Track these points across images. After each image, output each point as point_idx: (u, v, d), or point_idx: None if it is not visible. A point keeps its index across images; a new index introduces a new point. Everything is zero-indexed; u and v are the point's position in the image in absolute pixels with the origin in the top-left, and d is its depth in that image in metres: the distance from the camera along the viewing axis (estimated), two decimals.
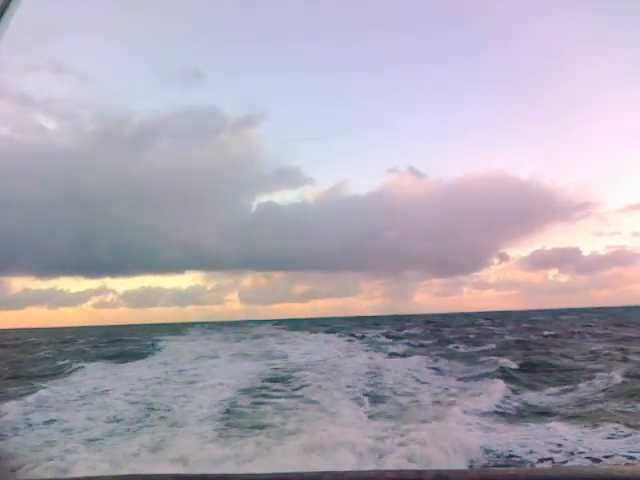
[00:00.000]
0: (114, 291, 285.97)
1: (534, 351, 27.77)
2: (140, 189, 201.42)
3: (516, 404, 14.51)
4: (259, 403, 15.12)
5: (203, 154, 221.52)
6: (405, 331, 56.07)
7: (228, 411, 14.00)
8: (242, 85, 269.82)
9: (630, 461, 8.98)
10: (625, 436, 10.54)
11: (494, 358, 24.90)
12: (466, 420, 12.19)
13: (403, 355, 28.61)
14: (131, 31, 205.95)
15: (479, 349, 31.20)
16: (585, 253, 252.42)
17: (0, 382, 23.57)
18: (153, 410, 14.69)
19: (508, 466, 8.72)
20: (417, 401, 15.16)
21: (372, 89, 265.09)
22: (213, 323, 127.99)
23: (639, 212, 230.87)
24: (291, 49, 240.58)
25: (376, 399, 15.57)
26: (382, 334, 49.70)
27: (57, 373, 25.10)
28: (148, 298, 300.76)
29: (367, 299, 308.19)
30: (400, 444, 10.09)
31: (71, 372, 24.88)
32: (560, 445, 10.11)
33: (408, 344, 36.71)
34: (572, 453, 9.78)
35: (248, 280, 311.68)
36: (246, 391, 17.07)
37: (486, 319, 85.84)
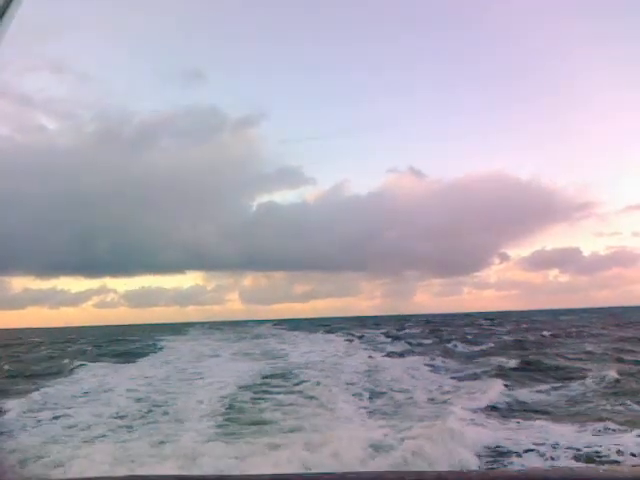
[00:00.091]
0: (115, 291, 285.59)
1: (531, 351, 28.01)
2: (140, 189, 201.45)
3: (510, 402, 14.75)
4: (259, 399, 15.43)
5: (203, 154, 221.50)
6: (405, 331, 56.18)
7: (229, 408, 14.21)
8: (242, 85, 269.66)
9: (622, 459, 9.02)
10: (612, 433, 10.80)
11: (491, 357, 25.17)
12: (461, 417, 12.32)
13: (402, 354, 28.78)
14: (131, 31, 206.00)
15: (477, 349, 31.52)
16: (585, 253, 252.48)
17: (4, 380, 23.65)
18: (156, 407, 14.92)
19: (507, 467, 8.76)
20: (414, 399, 15.44)
21: (372, 89, 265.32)
22: (213, 323, 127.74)
23: (639, 212, 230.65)
24: (291, 49, 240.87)
25: (375, 397, 15.82)
26: (382, 334, 49.81)
27: (60, 372, 25.30)
28: (148, 298, 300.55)
29: (367, 299, 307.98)
30: (398, 441, 10.18)
31: (74, 371, 25.08)
32: (544, 443, 10.37)
33: (407, 344, 36.82)
34: (554, 447, 10.07)
35: (248, 280, 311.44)
36: (247, 388, 17.32)
37: (486, 319, 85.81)
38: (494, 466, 9.28)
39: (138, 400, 15.94)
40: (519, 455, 9.84)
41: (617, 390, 15.53)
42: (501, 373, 19.61)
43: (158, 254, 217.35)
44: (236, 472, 8.64)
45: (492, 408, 13.74)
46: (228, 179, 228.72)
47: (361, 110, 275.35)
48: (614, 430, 10.93)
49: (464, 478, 1.74)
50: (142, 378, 20.93)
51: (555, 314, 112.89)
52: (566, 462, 9.39)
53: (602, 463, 9.09)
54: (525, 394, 16.06)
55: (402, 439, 10.35)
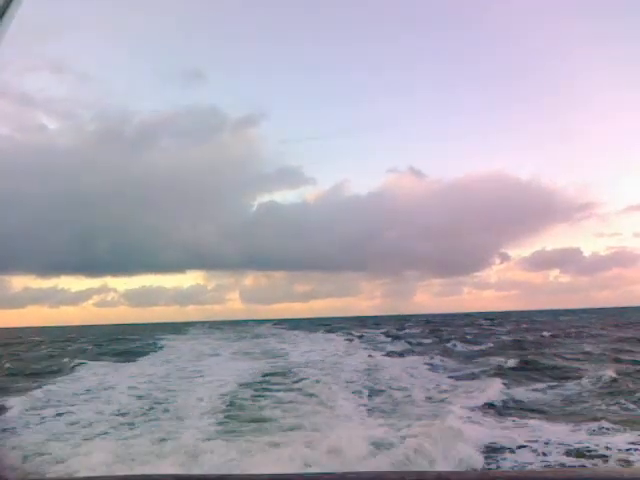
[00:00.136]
0: (115, 290, 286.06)
1: (530, 351, 28.13)
2: (141, 188, 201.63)
3: (507, 401, 14.84)
4: (259, 397, 15.61)
5: (203, 154, 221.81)
6: (405, 331, 56.27)
7: (229, 405, 14.33)
8: (242, 85, 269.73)
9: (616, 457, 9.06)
10: (605, 432, 10.90)
11: (490, 357, 25.30)
12: (460, 415, 12.40)
13: (402, 354, 28.86)
14: (131, 31, 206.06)
15: (476, 348, 31.68)
16: (586, 254, 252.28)
17: (5, 378, 23.72)
18: (157, 404, 15.06)
19: (507, 468, 8.80)
20: (413, 398, 15.55)
21: (372, 89, 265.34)
22: (214, 322, 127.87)
23: None
24: (291, 49, 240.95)
25: (374, 395, 15.98)
26: (382, 333, 49.92)
27: (61, 370, 25.42)
28: (149, 297, 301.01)
29: (367, 299, 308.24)
30: (398, 439, 10.24)
31: (75, 369, 25.20)
32: (537, 440, 10.49)
33: (407, 343, 36.92)
34: (547, 445, 10.18)
35: (249, 280, 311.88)
36: (247, 385, 17.46)
37: (486, 319, 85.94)
38: (488, 463, 9.32)
39: (139, 398, 16.12)
40: (512, 451, 9.97)
41: (613, 390, 15.64)
42: (499, 373, 19.73)
43: (158, 253, 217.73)
44: (236, 471, 8.70)
45: (489, 407, 13.83)
46: (228, 179, 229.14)
47: (361, 110, 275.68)
48: (608, 429, 11.04)
49: (464, 478, 1.78)
50: (143, 376, 21.07)
51: (555, 314, 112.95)
52: (557, 457, 9.48)
53: (591, 460, 9.17)
54: (522, 393, 16.17)
55: (402, 437, 10.41)
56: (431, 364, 23.44)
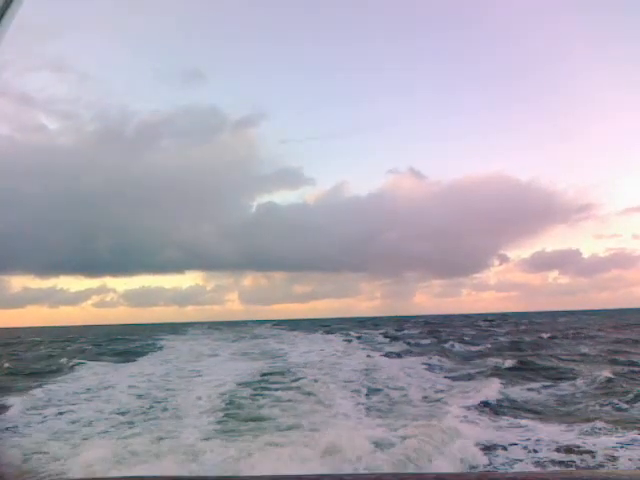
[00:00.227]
0: (114, 290, 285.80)
1: (527, 352, 28.36)
2: (140, 189, 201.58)
3: (502, 401, 14.96)
4: (258, 395, 15.73)
5: (203, 154, 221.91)
6: (404, 332, 56.38)
7: (228, 404, 14.44)
8: (242, 85, 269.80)
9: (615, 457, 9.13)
10: (597, 432, 11.03)
11: (487, 358, 25.47)
12: (456, 415, 12.45)
13: (400, 354, 28.95)
14: (131, 31, 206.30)
15: (474, 349, 31.88)
16: (585, 255, 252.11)
17: (4, 378, 23.78)
18: (156, 403, 15.20)
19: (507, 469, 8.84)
20: (411, 397, 15.69)
21: (372, 90, 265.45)
22: (213, 323, 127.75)
23: (639, 214, 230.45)
24: (291, 49, 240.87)
25: (372, 395, 16.08)
26: (381, 334, 49.97)
27: (60, 370, 25.49)
28: (148, 298, 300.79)
29: (367, 300, 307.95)
30: (396, 439, 10.32)
31: (74, 369, 25.31)
32: (532, 440, 10.58)
33: (406, 344, 36.99)
34: (538, 441, 10.37)
35: (248, 280, 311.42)
36: (246, 385, 17.53)
37: (485, 320, 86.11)
38: (483, 462, 9.38)
39: (139, 397, 16.27)
40: (505, 449, 10.10)
41: (607, 391, 15.81)
42: (496, 373, 19.88)
43: (158, 254, 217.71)
44: (236, 470, 8.73)
45: (485, 407, 13.95)
46: (228, 179, 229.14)
47: (361, 110, 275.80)
48: (600, 429, 11.18)
49: (463, 479, 1.83)
50: (142, 376, 21.17)
51: (554, 316, 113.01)
52: (548, 455, 9.56)
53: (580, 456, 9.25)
54: (518, 394, 16.32)
55: (400, 437, 10.48)
56: (429, 364, 23.57)
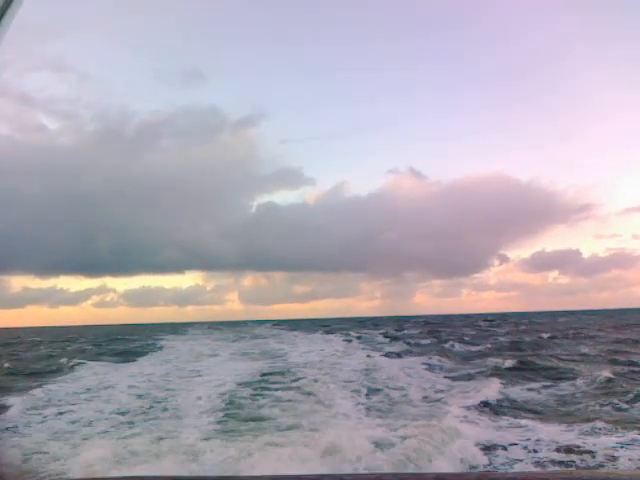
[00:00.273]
0: (114, 290, 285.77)
1: (527, 352, 28.42)
2: (140, 189, 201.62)
3: (502, 401, 14.98)
4: (258, 395, 15.78)
5: (203, 154, 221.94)
6: (404, 332, 56.44)
7: (228, 404, 14.46)
8: (242, 85, 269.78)
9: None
10: (597, 432, 11.05)
11: (487, 358, 25.54)
12: (456, 415, 12.46)
13: (400, 354, 28.97)
14: (131, 31, 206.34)
15: (474, 349, 31.93)
16: (585, 255, 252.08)
17: (4, 378, 23.82)
18: (156, 403, 15.23)
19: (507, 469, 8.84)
20: (410, 397, 15.76)
21: (373, 90, 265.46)
22: (213, 323, 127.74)
23: (639, 214, 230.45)
24: (291, 49, 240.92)
25: (372, 394, 16.12)
26: (381, 334, 49.98)
27: (60, 370, 25.50)
28: (148, 298, 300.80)
29: (367, 300, 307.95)
30: (396, 439, 10.34)
31: (74, 368, 25.34)
32: (532, 440, 10.60)
33: (405, 344, 37.02)
34: (537, 441, 10.41)
35: (248, 280, 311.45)
36: (246, 384, 17.57)
37: (485, 320, 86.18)
38: (483, 462, 9.39)
39: (139, 397, 16.31)
40: (505, 449, 10.13)
41: (607, 391, 15.84)
42: (496, 373, 19.91)
43: (158, 254, 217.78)
44: (236, 470, 8.74)
45: (485, 406, 13.97)
46: (228, 179, 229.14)
47: (361, 111, 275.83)
48: (600, 429, 11.20)
49: (463, 479, 1.82)
50: (142, 376, 21.20)
51: (554, 316, 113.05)
52: (548, 454, 9.57)
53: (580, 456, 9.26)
54: (517, 393, 16.35)
55: (399, 437, 10.50)
56: (429, 364, 23.60)
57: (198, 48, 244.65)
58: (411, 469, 8.90)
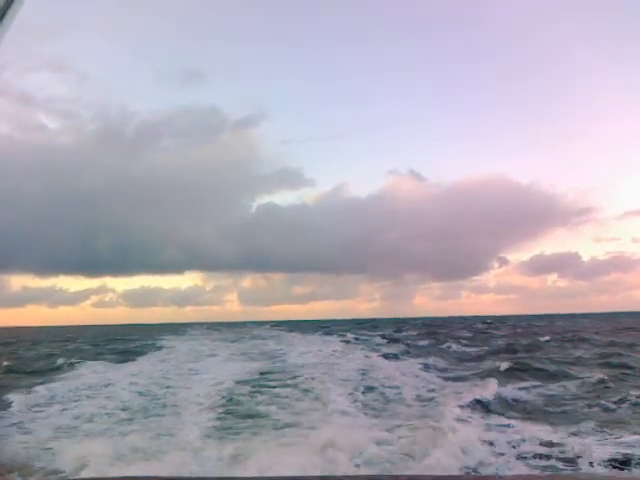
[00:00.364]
0: (113, 290, 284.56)
1: (522, 354, 28.59)
2: (140, 189, 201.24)
3: (496, 402, 15.26)
4: (256, 392, 15.99)
5: (203, 154, 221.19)
6: (402, 333, 56.66)
7: (227, 402, 14.67)
8: (243, 85, 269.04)
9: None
10: (586, 433, 11.31)
11: (483, 360, 25.93)
12: (451, 416, 12.57)
13: (398, 355, 29.16)
14: (131, 31, 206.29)
15: (471, 351, 32.18)
16: (585, 258, 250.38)
17: (5, 376, 23.93)
18: (156, 401, 15.48)
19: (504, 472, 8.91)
20: (405, 398, 15.98)
21: (373, 91, 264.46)
22: (212, 324, 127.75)
23: (638, 218, 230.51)
24: (292, 50, 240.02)
25: (369, 395, 16.30)
26: (379, 336, 50.13)
27: (60, 369, 25.69)
28: (147, 298, 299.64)
29: (366, 302, 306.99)
30: (391, 439, 10.49)
31: (75, 368, 25.52)
32: (525, 441, 10.80)
33: (404, 345, 37.18)
34: (530, 443, 10.56)
35: (247, 281, 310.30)
36: (244, 383, 17.78)
37: (483, 323, 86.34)
38: (477, 464, 9.44)
39: (138, 395, 16.57)
40: (499, 450, 10.26)
41: (598, 393, 16.11)
42: (492, 375, 20.09)
43: (157, 254, 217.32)
44: (233, 469, 8.81)
45: (480, 408, 14.22)
46: (228, 180, 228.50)
47: (361, 111, 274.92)
48: (588, 431, 11.44)
49: None
50: (142, 374, 21.43)
51: (553, 319, 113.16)
52: (542, 455, 9.70)
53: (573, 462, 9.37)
54: (511, 395, 16.56)
55: (395, 436, 10.65)
56: (426, 365, 23.81)
57: (198, 48, 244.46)
58: (407, 469, 8.93)
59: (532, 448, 10.30)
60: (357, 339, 45.29)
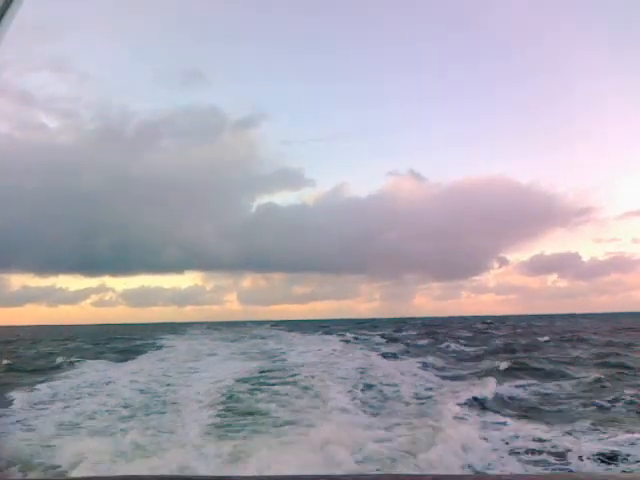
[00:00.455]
0: (113, 290, 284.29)
1: (521, 354, 28.75)
2: (140, 188, 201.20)
3: (494, 401, 15.33)
4: (256, 390, 16.15)
5: (204, 154, 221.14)
6: (402, 333, 56.66)
7: (227, 400, 14.81)
8: (243, 86, 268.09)
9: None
10: (581, 432, 11.44)
11: (482, 359, 26.09)
12: (449, 415, 12.63)
13: (397, 355, 29.22)
14: (131, 31, 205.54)
15: (470, 351, 32.32)
16: (584, 259, 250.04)
17: (6, 375, 24.01)
18: (156, 398, 15.62)
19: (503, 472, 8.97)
20: (404, 397, 16.07)
21: (373, 91, 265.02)
22: (212, 323, 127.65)
23: (638, 218, 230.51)
24: (292, 50, 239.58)
25: (368, 395, 16.40)
26: (379, 335, 50.17)
27: (61, 368, 25.79)
28: (147, 297, 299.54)
29: (366, 301, 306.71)
30: (390, 438, 10.54)
31: (76, 367, 25.68)
32: (523, 440, 10.87)
33: (403, 345, 37.22)
34: (528, 441, 10.59)
35: (247, 281, 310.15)
36: (244, 381, 17.90)
37: (483, 323, 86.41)
38: (475, 462, 9.49)
39: (139, 392, 16.72)
40: (497, 448, 10.30)
41: (594, 392, 16.26)
42: (490, 374, 20.19)
43: (157, 254, 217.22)
44: (232, 468, 8.85)
45: (477, 407, 14.29)
46: (228, 180, 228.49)
47: (362, 112, 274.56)
48: (583, 430, 11.56)
49: None
50: (142, 373, 21.54)
51: (553, 319, 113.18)
52: (539, 453, 9.74)
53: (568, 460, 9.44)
54: (509, 394, 16.65)
55: (393, 435, 10.70)
56: (424, 364, 23.86)
57: (198, 48, 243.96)
58: (405, 468, 8.97)
59: (525, 444, 10.44)
60: (357, 339, 45.33)
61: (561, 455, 9.74)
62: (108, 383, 19.03)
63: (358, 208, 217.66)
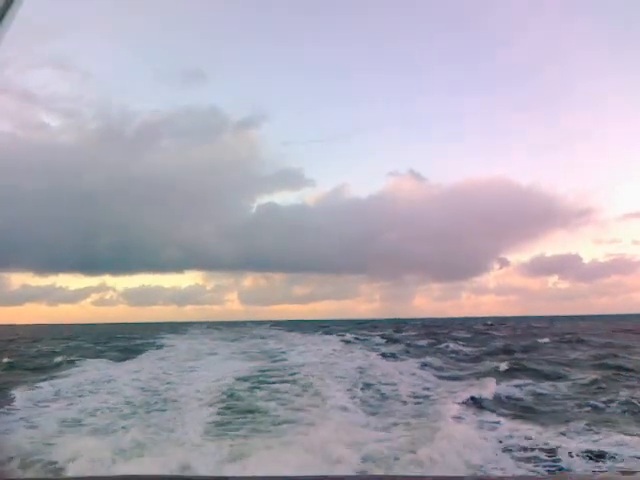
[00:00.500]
0: (113, 289, 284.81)
1: (520, 355, 28.81)
2: (141, 188, 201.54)
3: (491, 402, 15.38)
4: (256, 389, 16.30)
5: (204, 154, 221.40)
6: (402, 333, 56.71)
7: (227, 398, 14.90)
8: (243, 86, 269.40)
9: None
10: (577, 433, 11.48)
11: (481, 360, 26.30)
12: (448, 415, 12.66)
13: (397, 355, 29.28)
14: (131, 31, 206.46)
15: (469, 352, 32.34)
16: (585, 260, 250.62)
17: (6, 373, 24.08)
18: (157, 397, 15.74)
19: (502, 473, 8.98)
20: (403, 397, 16.15)
21: (374, 92, 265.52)
22: (212, 323, 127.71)
23: (638, 220, 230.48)
24: (292, 50, 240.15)
25: (367, 395, 16.50)
26: (379, 336, 50.19)
27: (64, 366, 25.92)
28: (147, 297, 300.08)
29: (366, 302, 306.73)
30: (389, 439, 10.52)
31: (76, 365, 25.79)
32: (521, 441, 10.90)
33: (402, 345, 37.28)
34: (526, 442, 10.64)
35: (247, 281, 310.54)
36: (244, 380, 18.00)
37: (483, 324, 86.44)
38: (475, 463, 9.51)
39: (140, 390, 16.87)
40: (496, 449, 10.33)
41: (591, 393, 16.32)
42: (489, 375, 20.28)
43: (158, 253, 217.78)
44: (232, 467, 8.89)
45: (476, 407, 14.31)
46: (228, 180, 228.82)
47: (362, 112, 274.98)
48: (579, 431, 11.60)
49: None
50: (143, 371, 21.65)
51: (553, 320, 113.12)
52: (537, 454, 9.79)
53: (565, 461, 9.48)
54: (508, 395, 16.71)
55: (392, 435, 10.76)
56: (423, 364, 23.91)
57: (198, 48, 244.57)
58: (402, 469, 8.99)
59: (517, 442, 10.58)
60: (356, 339, 45.38)
61: (551, 450, 9.92)
62: (109, 381, 19.17)
63: (358, 208, 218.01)
